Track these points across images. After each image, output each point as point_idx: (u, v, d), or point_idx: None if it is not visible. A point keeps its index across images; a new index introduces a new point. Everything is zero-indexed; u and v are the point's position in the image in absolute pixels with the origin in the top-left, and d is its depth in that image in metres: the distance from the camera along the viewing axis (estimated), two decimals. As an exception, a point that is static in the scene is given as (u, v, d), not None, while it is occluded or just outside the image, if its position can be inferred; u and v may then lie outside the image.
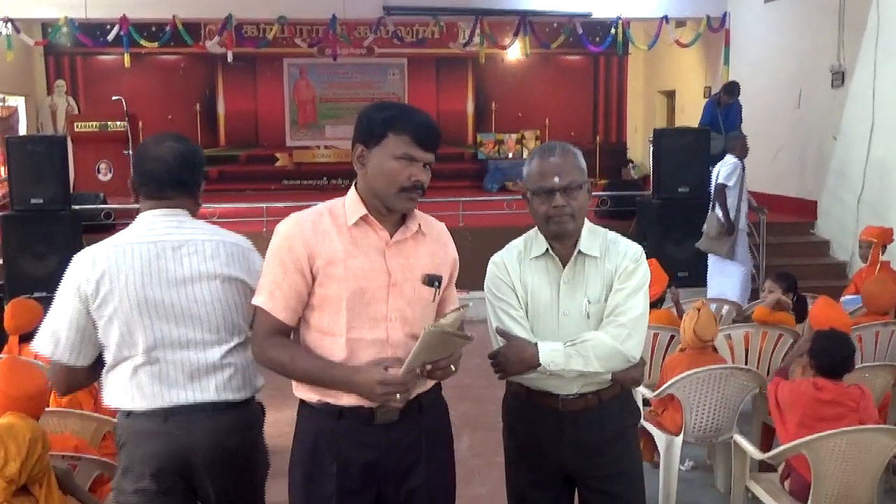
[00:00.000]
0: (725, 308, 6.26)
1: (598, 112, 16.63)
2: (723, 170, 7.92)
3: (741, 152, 8.03)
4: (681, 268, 8.84)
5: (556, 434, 2.67)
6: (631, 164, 15.69)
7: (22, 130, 13.68)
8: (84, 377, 2.64)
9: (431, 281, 2.44)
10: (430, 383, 2.46)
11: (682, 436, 4.37)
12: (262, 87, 15.74)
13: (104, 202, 9.90)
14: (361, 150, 2.37)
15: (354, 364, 2.35)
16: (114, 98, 11.10)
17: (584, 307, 2.62)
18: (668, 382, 4.32)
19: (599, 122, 16.61)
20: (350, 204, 2.41)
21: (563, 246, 2.65)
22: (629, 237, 9.15)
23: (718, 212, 7.83)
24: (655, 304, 5.27)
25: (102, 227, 9.73)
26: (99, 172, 10.96)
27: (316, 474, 2.42)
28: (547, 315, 2.64)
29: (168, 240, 2.58)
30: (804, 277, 9.30)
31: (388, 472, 2.44)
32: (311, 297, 2.39)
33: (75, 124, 11.23)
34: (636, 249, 2.71)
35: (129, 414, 2.53)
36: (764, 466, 4.19)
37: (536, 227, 2.70)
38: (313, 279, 2.36)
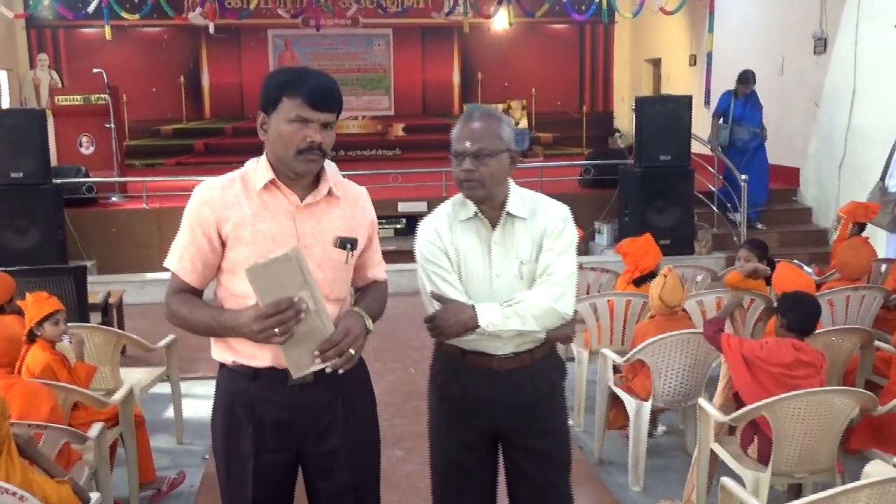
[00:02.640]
0: (700, 275, 6.29)
1: (585, 81, 16.58)
2: None
3: None
4: (663, 236, 8.88)
5: (491, 394, 2.70)
6: (618, 133, 15.67)
7: (5, 104, 13.59)
8: None
9: (343, 243, 2.45)
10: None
11: (651, 401, 4.42)
12: (246, 58, 15.65)
13: (86, 176, 9.87)
14: (263, 118, 2.40)
15: None
16: (94, 71, 11.01)
17: (516, 268, 2.65)
18: (637, 348, 4.36)
19: (586, 92, 16.57)
20: (260, 169, 2.43)
21: (490, 208, 2.67)
22: (612, 206, 9.17)
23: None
24: (647, 277, 5.26)
25: (84, 200, 9.74)
26: (81, 146, 10.90)
27: (234, 434, 2.48)
28: (480, 277, 2.67)
29: None
30: (787, 244, 9.42)
31: (305, 431, 2.47)
32: (224, 262, 2.43)
33: (56, 98, 11.14)
34: (563, 209, 2.73)
35: None
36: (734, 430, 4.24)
37: None
38: (223, 244, 2.41)
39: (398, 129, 16.10)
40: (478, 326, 2.56)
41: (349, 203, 2.54)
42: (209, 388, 6.32)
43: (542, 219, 2.68)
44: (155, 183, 10.85)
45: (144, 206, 9.71)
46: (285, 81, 2.36)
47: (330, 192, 2.47)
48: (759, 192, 9.62)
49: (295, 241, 2.38)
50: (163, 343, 5.04)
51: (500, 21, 14.11)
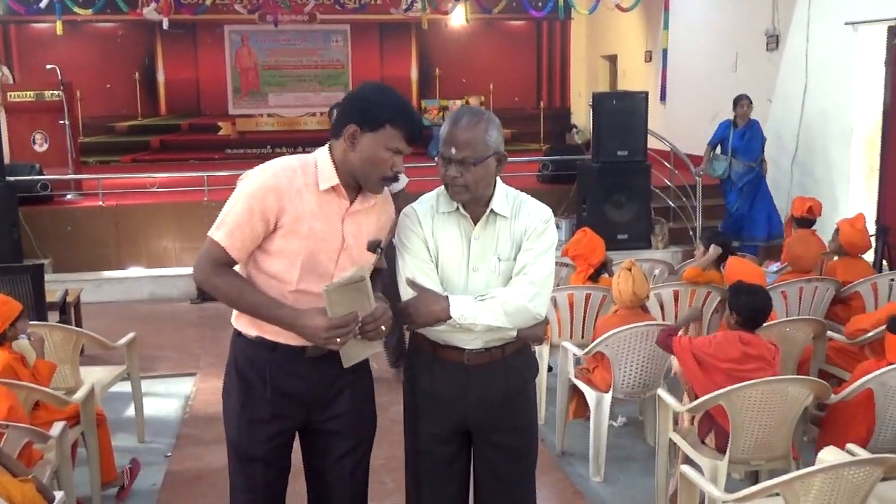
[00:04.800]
0: (657, 269, 6.39)
1: (542, 77, 16.67)
2: None
3: None
4: (620, 230, 9.02)
5: (461, 388, 2.72)
6: (575, 129, 15.78)
7: (-44, 101, 13.32)
8: None
9: (373, 247, 2.61)
10: (378, 346, 2.66)
11: (611, 392, 4.49)
12: (203, 54, 15.48)
13: (40, 173, 9.72)
14: (354, 130, 2.49)
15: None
16: (48, 67, 10.84)
17: (494, 264, 2.68)
18: (597, 340, 4.43)
19: (543, 88, 16.66)
20: (323, 169, 2.55)
21: (474, 205, 2.69)
22: (570, 201, 9.23)
23: None
24: (601, 269, 5.33)
25: (39, 198, 9.59)
26: (34, 143, 10.73)
27: (251, 399, 2.65)
28: (457, 270, 2.69)
29: None
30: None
31: (315, 400, 2.68)
32: (268, 244, 2.54)
33: (9, 94, 10.94)
34: (546, 211, 2.76)
35: None
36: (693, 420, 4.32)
37: None
38: (274, 229, 2.52)
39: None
40: (450, 317, 2.59)
41: (380, 206, 2.71)
42: (170, 386, 6.35)
43: (524, 219, 2.71)
44: (111, 180, 10.76)
45: (101, 203, 9.58)
46: (395, 114, 2.49)
47: (374, 201, 2.65)
48: (760, 227, 9.13)
49: (340, 242, 2.57)
50: (122, 341, 5.00)
51: (458, 17, 14.14)
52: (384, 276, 2.79)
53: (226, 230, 2.52)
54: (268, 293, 2.55)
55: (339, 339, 2.45)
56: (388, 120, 2.47)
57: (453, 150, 2.60)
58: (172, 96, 15.53)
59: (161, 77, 15.47)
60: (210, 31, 15.33)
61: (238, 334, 2.68)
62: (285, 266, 2.54)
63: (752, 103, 9.10)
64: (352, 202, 2.59)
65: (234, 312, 2.67)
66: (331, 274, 2.56)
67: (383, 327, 2.53)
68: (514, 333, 2.70)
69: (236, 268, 2.61)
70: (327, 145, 2.59)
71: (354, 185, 2.58)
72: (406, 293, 2.67)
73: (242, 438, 2.70)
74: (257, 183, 2.51)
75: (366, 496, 2.88)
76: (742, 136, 9.11)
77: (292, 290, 2.55)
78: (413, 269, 2.68)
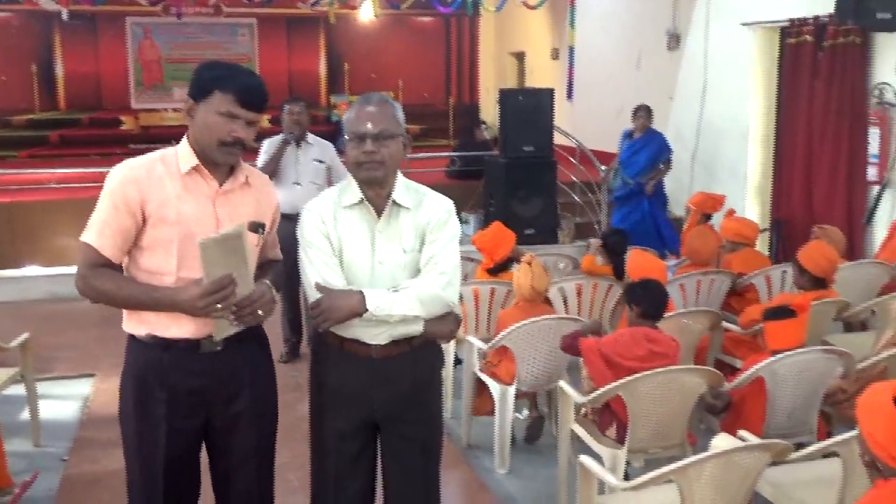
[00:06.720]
0: (562, 262, 6.49)
1: (451, 73, 16.77)
2: None
3: None
4: (527, 225, 9.10)
5: (369, 381, 2.73)
6: (483, 125, 15.89)
7: None
8: None
9: (255, 227, 2.64)
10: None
11: (515, 385, 4.54)
12: (103, 47, 15.10)
13: (-71, 169, 9.34)
14: (190, 105, 2.55)
15: None
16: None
17: (400, 256, 2.70)
18: (501, 334, 4.48)
19: (452, 84, 16.76)
20: (183, 154, 2.58)
21: (377, 196, 2.70)
22: (478, 197, 9.26)
23: None
24: (506, 264, 5.37)
25: (-71, 195, 9.22)
26: (-76, 138, 10.33)
27: (146, 400, 2.63)
28: (362, 263, 2.70)
29: None
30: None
31: (214, 397, 2.67)
32: (141, 239, 2.55)
33: None
34: (447, 202, 2.80)
35: None
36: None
37: (351, 176, 2.74)
38: (143, 222, 2.53)
39: (264, 121, 15.83)
40: (366, 310, 2.58)
41: (258, 189, 2.73)
42: (68, 387, 6.17)
43: (426, 211, 2.74)
44: (7, 176, 10.40)
45: (-5, 200, 9.26)
46: (220, 76, 2.53)
47: (246, 180, 2.67)
48: (649, 244, 7.60)
49: (214, 224, 2.56)
50: (16, 342, 4.83)
51: (366, 12, 14.12)
52: (278, 268, 2.79)
53: (95, 231, 2.54)
54: None
55: (218, 306, 2.44)
56: (216, 85, 2.50)
57: (369, 125, 2.62)
58: (72, 90, 15.11)
59: (60, 70, 15.05)
60: (111, 22, 14.97)
61: (131, 337, 2.66)
62: (162, 257, 2.55)
63: (650, 113, 8.70)
64: (222, 184, 2.61)
65: (124, 317, 2.65)
66: None
67: (261, 311, 2.54)
68: (421, 328, 2.71)
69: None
70: (187, 134, 2.62)
71: (217, 165, 2.59)
72: (314, 294, 2.67)
73: (140, 441, 2.66)
74: (117, 178, 2.54)
75: (272, 497, 2.89)
76: (630, 147, 8.80)
77: (174, 281, 2.55)
78: (319, 266, 2.67)
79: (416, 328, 2.71)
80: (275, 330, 6.64)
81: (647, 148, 8.70)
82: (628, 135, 8.90)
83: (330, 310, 2.61)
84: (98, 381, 5.89)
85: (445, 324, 2.77)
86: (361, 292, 2.62)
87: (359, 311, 2.60)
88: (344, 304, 2.60)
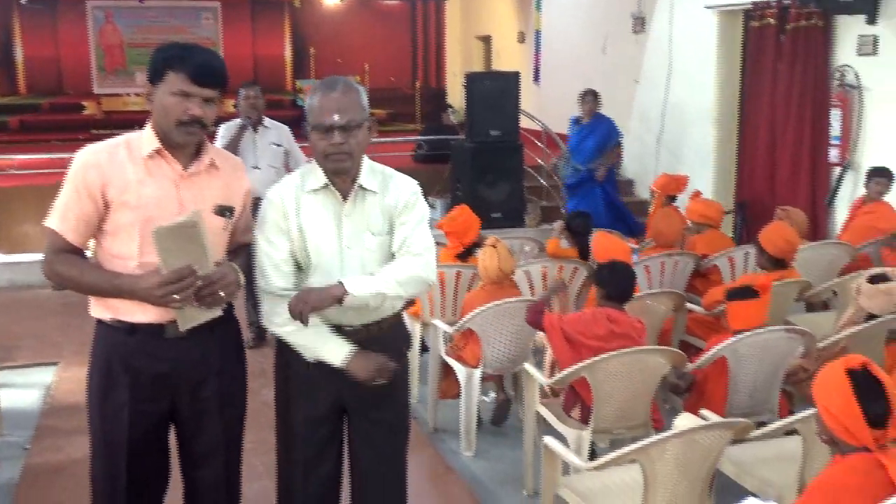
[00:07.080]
0: (528, 246, 6.50)
1: (418, 57, 16.69)
2: None
3: None
4: (494, 209, 9.10)
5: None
6: (450, 109, 15.87)
7: None
8: None
9: (222, 211, 2.63)
10: (217, 311, 2.63)
11: (481, 368, 4.55)
12: (63, 31, 14.82)
13: None
14: (149, 89, 2.54)
15: None
16: None
17: (368, 240, 2.68)
18: (466, 317, 4.48)
19: (419, 68, 16.68)
20: (146, 138, 2.56)
21: (342, 181, 2.67)
22: (445, 181, 9.23)
23: None
24: (472, 248, 5.36)
25: None
26: None
27: (110, 385, 2.62)
28: (330, 248, 2.67)
29: None
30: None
31: (181, 383, 2.66)
32: (104, 224, 2.55)
33: None
34: (413, 184, 2.79)
35: None
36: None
37: (314, 160, 2.70)
38: (106, 207, 2.52)
39: (228, 105, 15.67)
40: (347, 294, 2.54)
41: (228, 173, 2.71)
42: (29, 376, 6.09)
43: (393, 193, 2.72)
44: (-36, 162, 10.22)
45: (-46, 187, 9.10)
46: (171, 56, 2.51)
47: (212, 163, 2.64)
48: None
49: (177, 208, 2.53)
50: (-25, 331, 4.77)
51: (332, -5, 14.00)
52: (250, 252, 2.75)
53: (58, 216, 2.54)
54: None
55: (177, 297, 2.41)
56: (168, 66, 2.49)
57: (336, 117, 2.57)
58: (32, 74, 14.86)
59: (19, 54, 14.78)
60: (71, 6, 14.71)
61: (98, 322, 2.66)
62: (125, 241, 2.53)
63: (597, 98, 8.58)
64: (187, 167, 2.59)
65: (91, 302, 2.65)
66: None
67: (222, 293, 2.53)
68: (391, 309, 2.74)
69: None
70: (149, 118, 2.61)
71: (182, 147, 2.57)
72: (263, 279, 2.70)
73: (104, 424, 2.66)
74: (78, 163, 2.53)
75: (238, 488, 2.90)
76: (579, 133, 8.68)
77: (136, 265, 2.52)
78: (265, 264, 2.67)
79: (388, 311, 2.72)
80: (239, 315, 6.61)
81: (595, 133, 8.60)
82: (576, 121, 8.80)
83: (309, 297, 2.55)
84: (60, 370, 5.82)
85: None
86: (340, 280, 2.58)
87: (339, 295, 2.55)
88: (326, 291, 2.55)
